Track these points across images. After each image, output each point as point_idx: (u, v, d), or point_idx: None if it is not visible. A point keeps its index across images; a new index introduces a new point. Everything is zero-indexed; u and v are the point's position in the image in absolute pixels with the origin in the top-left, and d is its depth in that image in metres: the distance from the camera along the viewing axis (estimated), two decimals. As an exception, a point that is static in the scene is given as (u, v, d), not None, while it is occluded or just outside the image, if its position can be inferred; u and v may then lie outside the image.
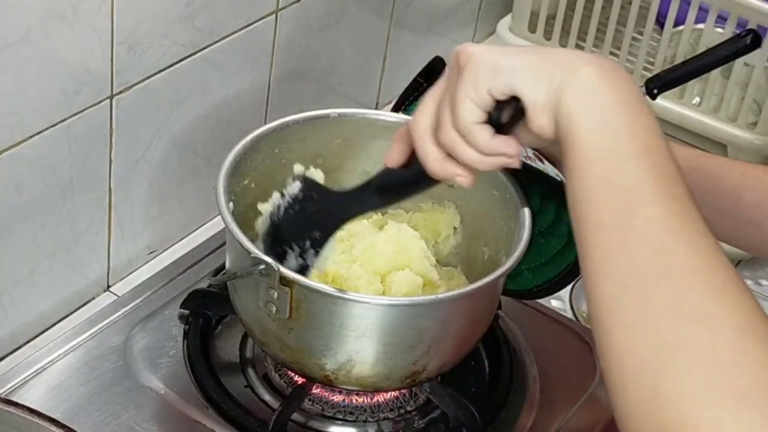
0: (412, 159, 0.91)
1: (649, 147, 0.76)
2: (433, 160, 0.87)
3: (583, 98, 0.78)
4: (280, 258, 1.01)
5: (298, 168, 1.10)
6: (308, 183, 1.03)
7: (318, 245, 1.01)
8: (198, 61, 1.24)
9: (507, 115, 0.82)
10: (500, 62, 0.81)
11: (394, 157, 0.93)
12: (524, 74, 0.80)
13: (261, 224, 1.05)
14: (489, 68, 0.81)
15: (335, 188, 1.04)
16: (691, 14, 1.62)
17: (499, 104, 0.83)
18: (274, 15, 1.33)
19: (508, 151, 0.84)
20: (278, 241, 1.02)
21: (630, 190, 0.75)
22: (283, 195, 1.03)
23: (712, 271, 0.71)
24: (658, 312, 0.70)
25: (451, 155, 0.86)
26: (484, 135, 0.83)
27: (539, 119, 0.80)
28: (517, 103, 0.82)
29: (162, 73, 1.21)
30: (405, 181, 0.95)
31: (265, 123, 1.13)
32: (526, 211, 1.04)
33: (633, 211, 0.74)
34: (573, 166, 0.78)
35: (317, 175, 1.08)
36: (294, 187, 1.03)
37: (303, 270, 1.02)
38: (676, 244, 0.72)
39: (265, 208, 1.04)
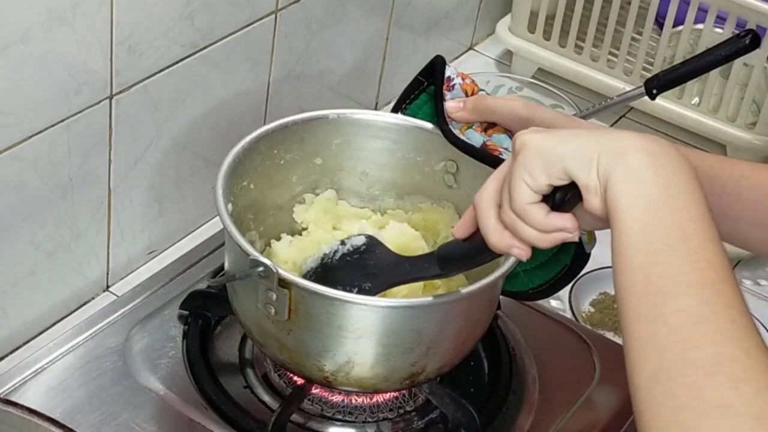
0: (477, 232, 0.93)
1: (689, 233, 0.79)
2: (493, 233, 0.90)
3: (629, 185, 0.81)
4: None
5: (363, 227, 1.13)
6: (374, 241, 1.06)
7: (366, 295, 1.03)
8: (197, 61, 1.24)
9: (565, 197, 0.85)
10: (553, 148, 0.84)
11: (462, 228, 0.96)
12: (576, 159, 0.83)
13: (309, 261, 1.07)
14: (543, 155, 0.84)
15: (399, 253, 1.06)
16: (691, 14, 1.62)
17: (558, 187, 0.85)
18: (273, 15, 1.33)
19: (565, 225, 0.87)
20: (323, 280, 1.03)
21: (665, 281, 0.77)
22: (344, 243, 1.06)
23: (734, 360, 0.73)
24: (683, 405, 0.73)
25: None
26: (539, 214, 0.86)
27: (593, 201, 0.83)
28: (576, 186, 0.84)
29: (161, 73, 1.21)
30: (466, 253, 0.96)
31: (265, 123, 1.14)
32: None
33: (666, 302, 0.76)
34: (617, 251, 0.80)
35: (382, 237, 1.09)
36: (358, 240, 1.06)
37: None
38: (702, 335, 0.74)
39: (322, 249, 1.07)
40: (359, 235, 1.07)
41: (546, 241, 0.88)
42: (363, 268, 1.04)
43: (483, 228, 0.90)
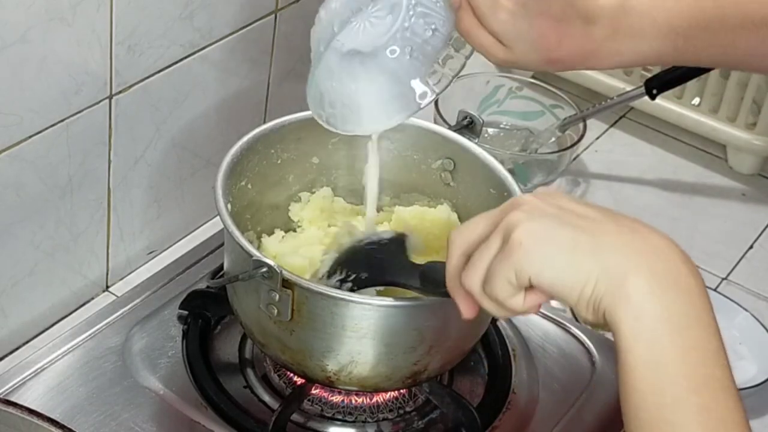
0: None
1: (698, 383, 0.73)
2: (451, 280, 0.85)
3: (628, 319, 0.74)
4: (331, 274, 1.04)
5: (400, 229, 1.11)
6: (398, 239, 1.05)
7: (359, 285, 1.02)
8: (197, 61, 1.24)
9: None
10: (546, 261, 0.77)
11: None
12: (567, 283, 0.76)
13: (347, 240, 1.07)
14: (534, 263, 0.77)
15: (410, 257, 1.04)
16: (691, 14, 1.61)
17: None
18: (273, 15, 1.33)
19: (535, 310, 0.82)
20: (345, 257, 1.05)
21: None
22: (376, 233, 1.07)
23: None
24: None
25: None
26: (516, 304, 0.80)
27: (583, 315, 0.77)
28: None
29: (161, 73, 1.21)
30: (442, 282, 0.95)
31: (264, 123, 1.14)
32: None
33: None
34: (623, 389, 0.75)
35: (415, 243, 1.07)
36: (386, 234, 1.06)
37: None
38: None
39: (360, 234, 1.08)
40: (392, 231, 1.07)
41: (504, 315, 0.83)
42: (372, 258, 1.04)
43: (447, 270, 0.85)
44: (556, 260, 0.76)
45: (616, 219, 0.79)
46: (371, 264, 1.04)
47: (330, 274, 1.04)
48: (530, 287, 0.79)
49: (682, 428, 0.73)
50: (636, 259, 0.75)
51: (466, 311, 0.85)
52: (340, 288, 1.02)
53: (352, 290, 1.02)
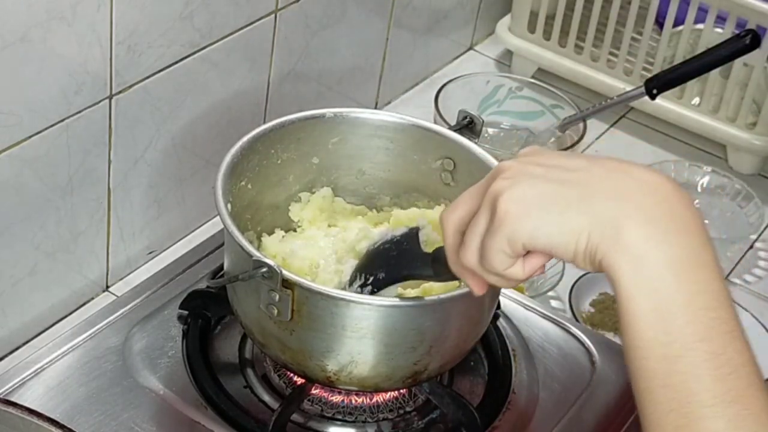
0: None
1: (706, 328, 0.70)
2: (454, 264, 0.85)
3: (628, 267, 0.71)
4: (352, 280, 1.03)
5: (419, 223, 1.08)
6: (411, 233, 1.02)
7: (378, 286, 1.01)
8: (197, 61, 1.24)
9: None
10: (537, 225, 0.75)
11: None
12: (561, 242, 0.74)
13: (365, 244, 1.06)
14: (524, 229, 0.75)
15: (423, 248, 1.02)
16: (691, 14, 1.62)
17: None
18: (273, 15, 1.33)
19: (537, 274, 0.80)
20: (366, 261, 1.04)
21: (687, 397, 0.70)
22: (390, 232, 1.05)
23: None
24: None
25: None
26: (517, 273, 0.78)
27: (581, 267, 0.75)
28: None
29: (161, 73, 1.21)
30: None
31: (264, 123, 1.14)
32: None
33: (691, 426, 0.70)
34: (628, 342, 0.72)
35: (429, 234, 1.05)
36: (399, 231, 1.03)
37: None
38: None
39: (376, 234, 1.06)
40: (406, 228, 1.04)
41: (510, 286, 0.82)
42: (388, 257, 1.02)
43: (446, 252, 0.84)
44: (545, 221, 0.74)
45: (604, 163, 0.76)
46: (388, 263, 1.02)
47: (351, 282, 1.03)
48: (528, 252, 0.77)
49: (693, 377, 0.70)
50: (628, 203, 0.72)
51: (476, 288, 0.84)
52: (362, 293, 1.01)
53: (372, 293, 1.01)
